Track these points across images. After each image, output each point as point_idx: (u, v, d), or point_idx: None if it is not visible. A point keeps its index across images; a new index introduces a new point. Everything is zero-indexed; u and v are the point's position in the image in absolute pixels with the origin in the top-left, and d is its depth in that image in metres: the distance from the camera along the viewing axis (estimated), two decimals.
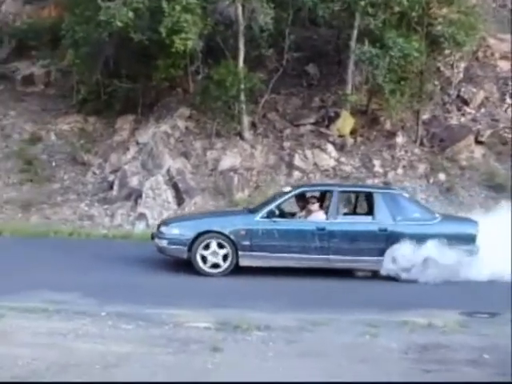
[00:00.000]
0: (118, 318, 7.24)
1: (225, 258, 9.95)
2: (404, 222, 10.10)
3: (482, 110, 17.23)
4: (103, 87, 16.82)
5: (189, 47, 14.29)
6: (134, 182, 15.29)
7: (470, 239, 9.99)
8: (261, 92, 16.44)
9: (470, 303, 8.64)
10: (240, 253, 9.92)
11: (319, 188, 11.82)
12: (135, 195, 15.00)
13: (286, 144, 16.18)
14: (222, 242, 9.94)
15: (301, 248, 9.96)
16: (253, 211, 10.60)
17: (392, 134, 16.45)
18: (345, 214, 10.91)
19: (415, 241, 9.76)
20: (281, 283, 9.65)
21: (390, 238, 9.94)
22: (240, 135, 16.13)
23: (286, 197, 10.63)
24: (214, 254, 9.95)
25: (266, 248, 9.97)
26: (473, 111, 17.17)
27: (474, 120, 17.00)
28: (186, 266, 10.03)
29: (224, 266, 9.93)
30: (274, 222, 10.08)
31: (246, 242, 9.95)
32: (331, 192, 10.58)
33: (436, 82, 17.46)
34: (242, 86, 15.53)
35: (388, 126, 16.62)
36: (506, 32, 18.68)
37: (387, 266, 9.84)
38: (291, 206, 11.13)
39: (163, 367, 5.82)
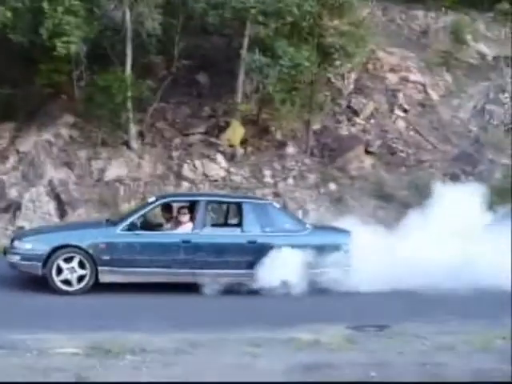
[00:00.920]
0: None
1: (83, 274, 9.25)
2: (274, 234, 9.75)
3: (372, 121, 17.38)
4: None
5: (72, 51, 13.59)
6: (13, 193, 14.49)
7: (341, 249, 9.70)
8: (149, 100, 15.83)
9: (355, 316, 8.39)
10: (100, 268, 9.24)
11: (185, 198, 11.37)
12: (14, 207, 14.20)
13: (175, 154, 15.71)
14: (79, 256, 9.24)
15: (165, 262, 9.40)
16: (114, 223, 9.93)
17: (282, 144, 16.30)
18: (213, 225, 10.41)
19: (285, 252, 9.40)
20: (157, 300, 9.09)
21: (260, 250, 9.53)
22: (127, 144, 15.53)
23: (149, 208, 10.10)
24: (71, 270, 9.24)
25: (128, 263, 9.32)
26: (363, 122, 17.28)
27: (363, 130, 17.11)
28: (43, 283, 9.28)
29: (82, 283, 9.24)
30: (137, 234, 9.49)
31: (106, 257, 9.28)
32: (198, 202, 10.03)
33: (327, 93, 17.47)
34: (129, 94, 14.96)
35: (279, 135, 16.44)
36: (394, 46, 19.01)
37: (259, 279, 9.36)
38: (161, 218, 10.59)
39: None
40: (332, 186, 15.74)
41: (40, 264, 9.21)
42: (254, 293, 9.40)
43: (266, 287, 9.38)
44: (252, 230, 9.73)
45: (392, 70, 18.35)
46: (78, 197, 14.50)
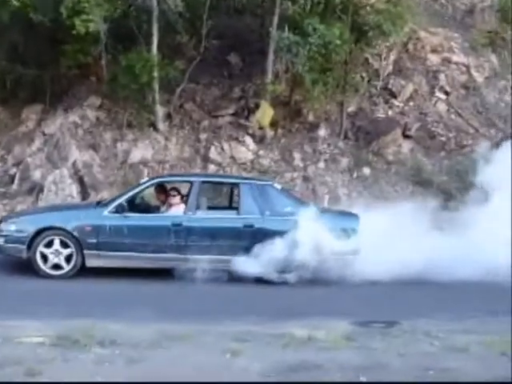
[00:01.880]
0: None
1: (69, 257, 8.89)
2: (273, 218, 9.11)
3: (411, 104, 16.55)
4: (8, 74, 15.61)
5: (90, 30, 13.19)
6: (36, 175, 14.25)
7: (349, 234, 9.00)
8: (177, 81, 15.39)
9: (361, 309, 7.72)
10: (86, 252, 8.87)
11: (178, 178, 10.87)
12: (37, 189, 13.95)
13: (203, 136, 15.23)
14: (65, 239, 8.87)
15: (155, 247, 8.95)
16: (102, 205, 9.50)
17: (315, 127, 15.62)
18: (208, 208, 9.77)
19: (286, 238, 8.78)
20: (145, 287, 8.64)
21: (257, 235, 8.92)
22: (153, 126, 15.11)
23: (139, 189, 9.62)
24: (57, 253, 8.89)
25: (116, 247, 8.91)
26: (401, 104, 16.47)
27: (401, 113, 16.31)
28: (27, 266, 8.95)
29: (68, 267, 8.89)
30: (125, 217, 9.02)
31: (93, 240, 8.89)
32: (192, 183, 9.48)
33: (364, 74, 16.71)
34: (155, 74, 14.52)
35: (311, 117, 15.75)
36: (436, 26, 18.09)
37: (255, 266, 8.73)
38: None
39: None
40: (366, 171, 15.07)
41: (24, 246, 8.91)
42: (250, 281, 8.80)
43: (263, 275, 8.84)
44: (249, 214, 9.15)
45: (434, 51, 17.41)
46: (101, 179, 14.21)
